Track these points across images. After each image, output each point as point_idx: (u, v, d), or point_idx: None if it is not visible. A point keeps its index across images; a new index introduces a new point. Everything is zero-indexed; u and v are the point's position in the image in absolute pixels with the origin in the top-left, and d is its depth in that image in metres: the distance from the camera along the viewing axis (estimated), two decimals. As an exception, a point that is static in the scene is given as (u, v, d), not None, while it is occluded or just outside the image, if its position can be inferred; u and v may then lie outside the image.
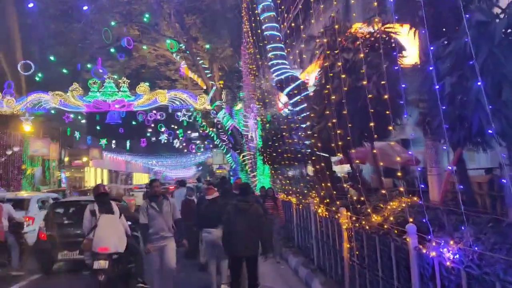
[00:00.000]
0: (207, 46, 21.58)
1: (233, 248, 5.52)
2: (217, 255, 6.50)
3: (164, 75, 25.84)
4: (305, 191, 9.19)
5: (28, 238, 9.11)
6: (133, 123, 25.81)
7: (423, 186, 4.87)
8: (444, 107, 3.24)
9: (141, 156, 52.29)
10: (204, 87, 22.52)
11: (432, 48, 3.34)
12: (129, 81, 22.74)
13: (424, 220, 3.60)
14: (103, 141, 34.59)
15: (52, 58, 19.56)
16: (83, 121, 34.14)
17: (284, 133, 9.80)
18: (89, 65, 21.45)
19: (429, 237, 3.54)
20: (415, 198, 4.57)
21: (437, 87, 3.15)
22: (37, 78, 20.70)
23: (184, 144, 36.86)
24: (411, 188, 7.10)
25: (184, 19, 21.12)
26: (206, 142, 39.33)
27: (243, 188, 6.03)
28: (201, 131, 30.33)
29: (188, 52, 21.96)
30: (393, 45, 5.66)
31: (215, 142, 27.89)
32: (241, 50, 16.01)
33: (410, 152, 7.39)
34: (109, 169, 48.39)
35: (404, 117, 4.51)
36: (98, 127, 30.00)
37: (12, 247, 8.02)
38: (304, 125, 7.73)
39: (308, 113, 7.10)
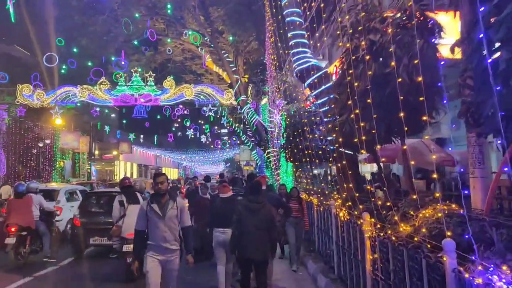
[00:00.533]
0: (230, 38, 21.05)
1: (243, 250, 5.14)
2: (227, 256, 6.13)
3: (190, 70, 25.56)
4: (327, 192, 8.42)
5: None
6: (158, 117, 25.75)
7: (466, 192, 4.00)
8: (497, 88, 2.42)
9: (170, 151, 52.84)
10: (229, 81, 22.04)
11: (482, 8, 2.51)
12: (154, 75, 22.56)
13: (467, 236, 2.81)
14: (132, 136, 34.98)
15: (75, 50, 19.63)
16: (113, 115, 34.72)
17: (305, 128, 9.02)
18: (113, 58, 21.44)
19: (474, 257, 2.76)
20: (454, 206, 3.74)
21: (489, 60, 2.34)
22: (62, 71, 20.90)
23: (210, 140, 36.68)
24: (448, 192, 6.18)
25: (209, 11, 20.67)
26: (233, 138, 39.00)
27: (253, 187, 5.55)
28: (227, 127, 29.96)
29: (212, 46, 21.51)
30: (429, 25, 4.83)
31: (242, 138, 27.45)
32: (265, 42, 15.32)
33: (450, 148, 6.41)
34: (138, 163, 49.17)
35: (443, 103, 3.66)
36: (124, 121, 30.26)
37: (44, 234, 8.55)
38: (326, 119, 6.96)
39: (327, 105, 6.32)
